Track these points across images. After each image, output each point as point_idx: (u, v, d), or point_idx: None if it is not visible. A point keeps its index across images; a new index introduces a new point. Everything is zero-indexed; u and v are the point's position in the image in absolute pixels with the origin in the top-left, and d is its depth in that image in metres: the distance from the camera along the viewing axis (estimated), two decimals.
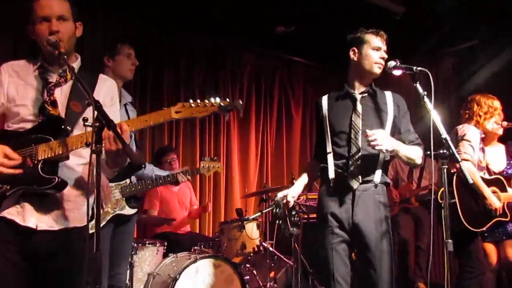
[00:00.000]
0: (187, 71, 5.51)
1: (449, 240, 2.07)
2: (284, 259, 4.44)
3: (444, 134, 2.19)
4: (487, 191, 3.39)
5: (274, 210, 2.70)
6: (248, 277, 4.02)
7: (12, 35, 4.36)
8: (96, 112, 1.66)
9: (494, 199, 3.39)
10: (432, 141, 2.20)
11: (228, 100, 1.91)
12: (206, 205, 4.88)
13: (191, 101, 1.87)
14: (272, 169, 6.19)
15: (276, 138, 6.34)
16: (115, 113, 2.13)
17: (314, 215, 4.72)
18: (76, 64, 2.10)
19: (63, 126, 1.92)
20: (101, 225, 2.80)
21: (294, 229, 2.70)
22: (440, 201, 3.07)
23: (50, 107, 1.96)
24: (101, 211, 2.84)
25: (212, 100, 1.86)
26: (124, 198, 3.02)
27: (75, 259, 1.87)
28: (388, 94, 2.68)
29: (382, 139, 2.36)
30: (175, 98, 5.32)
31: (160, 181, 3.39)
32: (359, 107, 2.59)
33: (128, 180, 3.06)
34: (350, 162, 2.52)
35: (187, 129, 5.48)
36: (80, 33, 2.09)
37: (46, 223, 1.92)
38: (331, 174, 2.58)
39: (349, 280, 2.52)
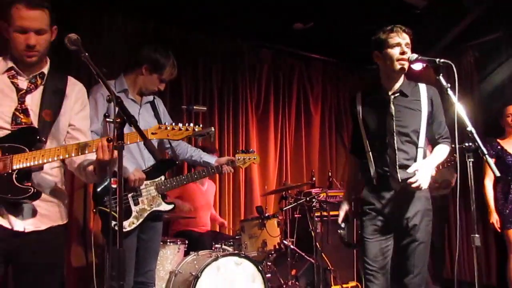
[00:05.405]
0: (205, 70, 5.49)
1: (476, 235, 2.04)
2: (306, 256, 4.42)
3: (470, 127, 2.16)
4: None
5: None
6: (269, 275, 4.01)
7: None
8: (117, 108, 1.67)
9: None
10: (456, 134, 2.17)
11: (201, 126, 2.18)
12: (224, 224, 5.03)
13: (166, 123, 2.08)
14: (291, 167, 6.15)
15: (295, 135, 6.29)
16: (86, 118, 2.15)
17: (335, 213, 4.73)
18: (46, 69, 2.07)
19: (38, 137, 1.92)
20: (139, 222, 2.91)
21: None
22: None
23: (22, 115, 1.95)
24: (138, 208, 2.91)
25: (187, 125, 2.07)
26: (160, 195, 3.05)
27: (58, 254, 2.06)
28: (422, 88, 2.67)
29: (423, 179, 2.43)
30: (194, 97, 5.32)
31: (195, 176, 3.27)
32: (392, 109, 2.60)
33: (162, 177, 3.08)
34: (389, 164, 2.56)
35: (205, 127, 5.43)
36: (55, 36, 2.05)
37: (32, 225, 1.96)
38: (373, 173, 2.63)
39: (387, 272, 2.58)
